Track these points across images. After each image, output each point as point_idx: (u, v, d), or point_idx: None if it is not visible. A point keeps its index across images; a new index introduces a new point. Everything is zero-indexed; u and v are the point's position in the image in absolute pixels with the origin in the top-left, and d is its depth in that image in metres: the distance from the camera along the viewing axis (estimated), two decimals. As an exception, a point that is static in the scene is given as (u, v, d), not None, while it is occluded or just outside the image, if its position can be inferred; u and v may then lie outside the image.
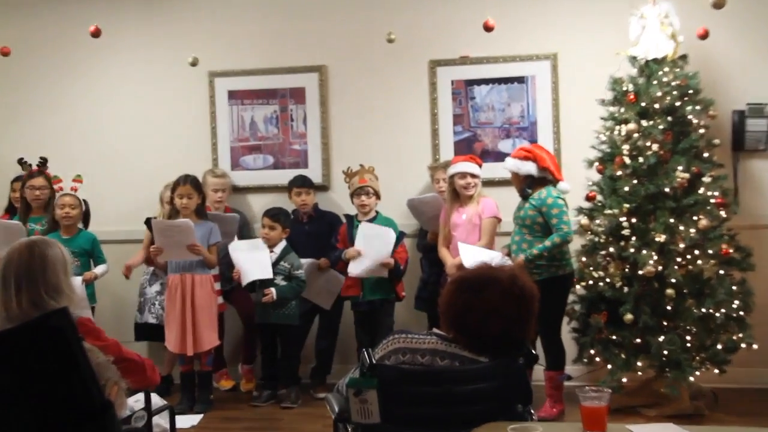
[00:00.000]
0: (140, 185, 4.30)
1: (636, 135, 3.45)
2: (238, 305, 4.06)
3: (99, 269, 3.90)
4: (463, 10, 4.08)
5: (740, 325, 3.38)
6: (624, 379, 3.36)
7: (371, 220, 3.81)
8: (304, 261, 3.82)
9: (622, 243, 3.41)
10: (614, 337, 3.39)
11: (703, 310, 3.32)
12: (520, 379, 1.76)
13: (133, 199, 4.31)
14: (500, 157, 3.83)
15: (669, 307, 3.33)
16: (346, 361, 4.04)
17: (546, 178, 3.44)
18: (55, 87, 4.47)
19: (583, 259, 3.57)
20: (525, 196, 3.45)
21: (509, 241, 3.55)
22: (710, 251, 3.36)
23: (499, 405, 1.71)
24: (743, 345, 3.35)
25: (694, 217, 3.37)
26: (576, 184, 3.57)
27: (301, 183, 3.99)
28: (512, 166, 3.48)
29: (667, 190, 3.38)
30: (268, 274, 3.63)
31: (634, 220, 3.40)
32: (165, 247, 3.57)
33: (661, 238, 3.32)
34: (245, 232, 4.11)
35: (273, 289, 3.65)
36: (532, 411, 1.81)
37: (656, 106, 3.45)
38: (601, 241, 3.50)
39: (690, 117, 3.46)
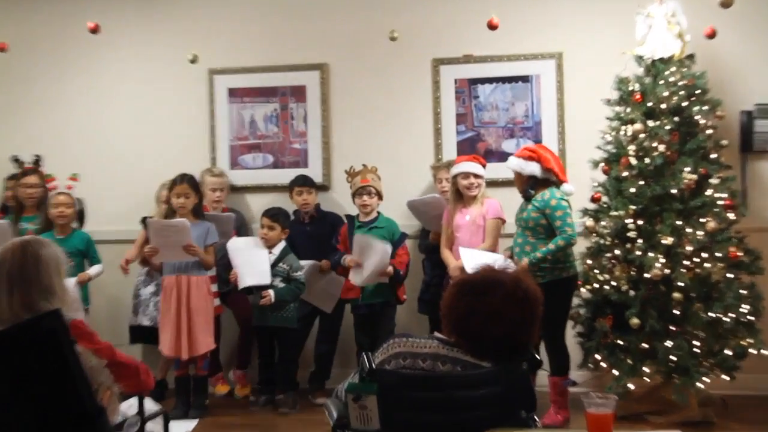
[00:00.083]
0: (137, 184, 4.29)
1: (642, 135, 3.44)
2: (235, 308, 4.05)
3: (93, 270, 3.88)
4: (467, 8, 4.07)
5: (750, 330, 3.36)
6: (630, 386, 3.34)
7: (372, 221, 3.80)
8: (305, 263, 3.81)
9: (628, 245, 3.40)
10: (620, 342, 3.38)
11: (712, 314, 3.30)
12: (523, 385, 1.74)
13: (129, 199, 4.31)
14: (504, 157, 3.81)
15: (676, 312, 3.31)
16: (346, 365, 4.03)
17: (549, 179, 3.42)
18: (53, 84, 4.46)
19: (589, 261, 3.55)
20: (528, 197, 3.43)
21: (512, 243, 3.53)
22: (718, 254, 3.34)
23: (501, 411, 1.69)
24: (753, 350, 3.33)
25: (702, 219, 3.35)
26: (581, 185, 3.56)
27: (303, 182, 3.98)
28: (515, 165, 3.46)
29: (674, 191, 3.37)
30: (265, 279, 3.61)
31: (640, 222, 3.39)
32: (161, 248, 3.55)
33: (668, 240, 3.31)
34: (243, 232, 4.10)
35: (271, 292, 3.63)
36: (536, 417, 1.80)
37: (663, 106, 3.44)
38: (607, 243, 3.48)
39: (697, 117, 3.45)
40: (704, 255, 3.33)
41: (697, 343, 3.30)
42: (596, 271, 3.50)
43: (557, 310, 3.33)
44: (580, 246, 3.55)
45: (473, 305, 1.71)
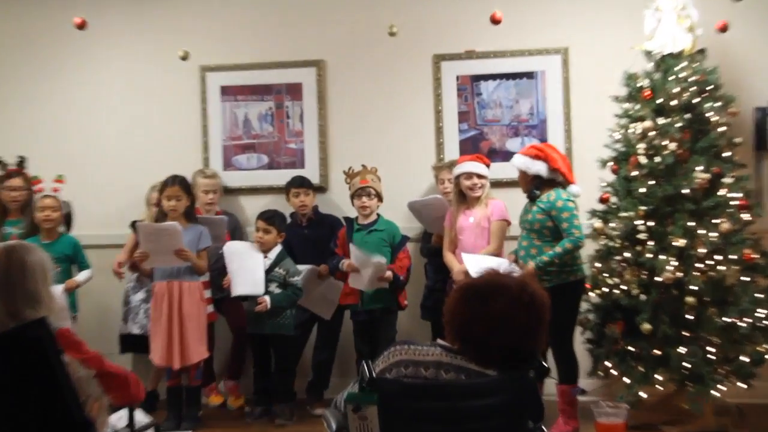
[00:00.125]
0: (126, 186, 4.28)
1: (652, 133, 3.44)
2: (229, 314, 4.04)
3: (82, 276, 3.88)
4: (469, 1, 4.09)
5: (766, 335, 3.35)
6: (642, 394, 3.33)
7: (372, 224, 3.79)
8: (303, 267, 3.80)
9: (639, 248, 3.39)
10: (631, 349, 3.37)
11: (726, 319, 3.29)
12: (530, 394, 1.74)
13: (118, 201, 4.30)
14: (508, 156, 3.82)
15: (689, 317, 3.30)
16: (345, 374, 4.02)
17: (555, 179, 3.42)
18: (37, 82, 4.46)
19: (597, 265, 3.55)
20: (532, 198, 3.43)
21: (516, 246, 3.53)
22: (733, 256, 3.33)
23: (508, 421, 1.69)
24: (769, 357, 3.32)
25: (715, 220, 3.35)
26: (589, 185, 3.56)
27: (300, 183, 3.98)
28: (521, 163, 3.46)
29: (685, 191, 3.36)
30: (258, 289, 3.61)
31: (651, 224, 3.39)
32: (151, 252, 3.55)
33: (679, 242, 3.31)
34: (238, 236, 4.09)
35: (267, 298, 3.63)
36: (544, 428, 1.79)
37: (673, 102, 3.44)
38: (616, 245, 3.48)
39: (709, 114, 3.45)
40: (718, 257, 3.32)
41: (712, 350, 3.29)
42: (605, 274, 3.49)
43: (565, 316, 3.32)
44: (589, 249, 3.55)
45: (477, 311, 1.70)
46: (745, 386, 3.36)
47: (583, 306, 3.55)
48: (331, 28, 4.27)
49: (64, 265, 3.79)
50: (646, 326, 3.30)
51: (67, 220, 3.96)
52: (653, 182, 3.42)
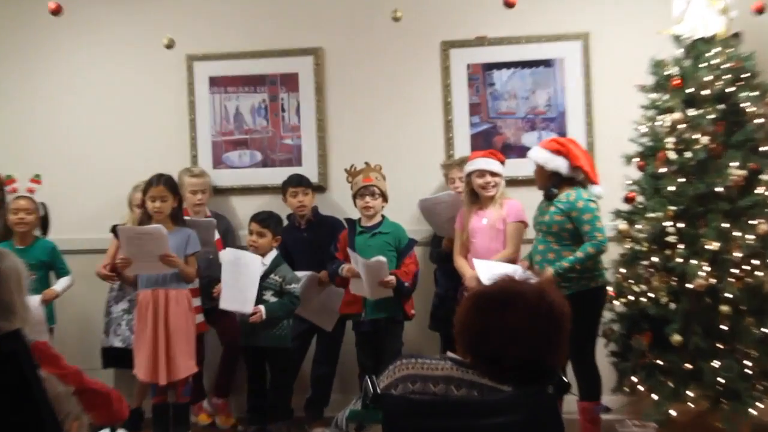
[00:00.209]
0: (107, 186, 4.29)
1: (682, 126, 3.43)
2: (219, 325, 4.04)
3: (60, 284, 3.89)
4: (481, -18, 4.08)
5: (809, 347, 3.34)
6: (672, 412, 3.32)
7: (376, 226, 3.79)
8: (301, 274, 3.81)
9: (668, 252, 3.39)
10: (660, 362, 3.36)
11: (765, 330, 3.28)
12: (549, 412, 1.73)
13: (99, 203, 4.32)
14: (524, 152, 3.81)
15: (724, 327, 3.29)
16: (347, 390, 4.02)
17: (575, 178, 3.42)
18: (9, 73, 4.47)
19: (622, 270, 3.54)
20: (549, 197, 3.43)
21: (530, 250, 3.53)
22: (771, 261, 3.32)
23: (525, 442, 1.68)
24: (812, 371, 3.31)
25: (752, 222, 3.34)
26: (612, 183, 3.56)
27: (298, 182, 3.99)
28: (539, 157, 3.46)
29: (719, 189, 3.35)
30: (246, 309, 3.61)
31: (681, 225, 3.38)
32: (134, 258, 3.55)
33: (713, 245, 3.30)
34: (229, 240, 4.10)
35: (262, 307, 3.63)
36: (565, 449, 1.78)
37: (705, 92, 3.43)
38: (643, 249, 3.47)
39: (745, 105, 3.44)
40: (755, 262, 3.31)
41: (749, 363, 3.28)
42: (631, 281, 3.49)
43: (586, 326, 3.32)
44: (613, 253, 3.54)
45: (491, 321, 1.70)
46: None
47: (607, 315, 3.55)
48: (329, 13, 4.27)
49: (40, 273, 3.80)
50: (677, 338, 3.29)
51: (44, 223, 3.97)
52: (683, 180, 3.41)
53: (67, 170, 4.38)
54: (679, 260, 3.34)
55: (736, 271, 3.30)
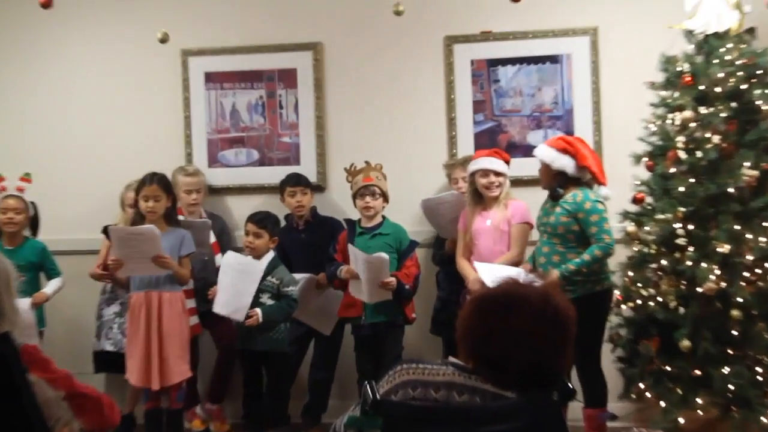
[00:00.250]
0: (99, 186, 4.30)
1: (693, 124, 3.42)
2: (214, 329, 4.05)
3: (51, 287, 3.90)
4: (485, -25, 4.08)
5: (822, 354, 3.34)
6: (681, 420, 3.32)
7: (376, 227, 3.80)
8: (299, 276, 3.81)
9: (677, 254, 3.38)
10: (668, 368, 3.36)
11: (776, 335, 3.28)
12: (554, 419, 1.73)
13: (90, 202, 4.32)
14: (529, 151, 3.82)
15: (735, 332, 3.29)
16: (345, 396, 4.03)
17: (581, 179, 3.42)
18: (-1, 69, 4.49)
19: (630, 273, 3.54)
20: (555, 197, 3.43)
21: (533, 252, 3.53)
22: (784, 264, 3.32)
23: (529, 450, 1.68)
24: (826, 378, 3.31)
25: (765, 224, 3.33)
26: (621, 183, 3.56)
27: (296, 181, 3.99)
28: (545, 155, 3.46)
29: (731, 190, 3.35)
30: (238, 316, 3.61)
31: (691, 227, 3.37)
32: (126, 260, 3.56)
33: (724, 248, 3.29)
34: (224, 241, 4.11)
35: (258, 310, 3.64)
36: (570, 458, 1.78)
37: (717, 89, 3.43)
38: (652, 252, 3.47)
39: (759, 102, 3.43)
40: None
41: (760, 370, 3.27)
42: (639, 284, 3.48)
43: (591, 330, 3.32)
44: (620, 255, 3.55)
45: (495, 325, 1.70)
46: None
47: (614, 320, 3.55)
48: (329, 7, 4.27)
49: (29, 274, 3.81)
50: (686, 343, 3.29)
51: (33, 223, 3.98)
52: (694, 180, 3.40)
53: (58, 169, 4.38)
54: (689, 263, 3.33)
55: (748, 274, 3.29)
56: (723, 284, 3.28)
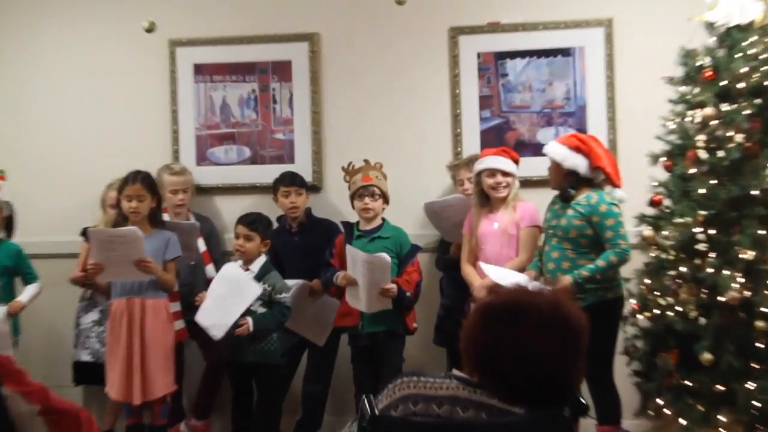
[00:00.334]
0: (79, 184, 4.31)
1: (714, 122, 3.42)
2: (202, 339, 4.03)
3: (27, 293, 3.90)
4: (493, -37, 4.09)
5: None
6: (701, 438, 3.31)
7: (376, 230, 3.79)
8: (292, 282, 3.80)
9: (697, 261, 3.38)
10: (688, 383, 3.35)
11: (804, 348, 3.27)
12: (565, 437, 1.73)
13: (70, 202, 4.33)
14: (539, 149, 3.82)
15: (760, 345, 3.28)
16: (341, 411, 4.03)
17: (594, 179, 3.43)
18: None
19: (647, 281, 3.54)
20: (566, 198, 3.43)
21: (536, 259, 3.53)
22: (813, 272, 3.31)
23: (538, 470, 1.68)
24: None
25: (791, 228, 3.33)
26: (637, 185, 3.56)
27: (291, 181, 4.00)
28: (556, 153, 3.46)
29: (755, 192, 3.34)
30: (216, 333, 3.58)
31: (712, 232, 3.37)
32: (107, 264, 3.54)
33: (747, 254, 3.28)
34: (213, 244, 4.11)
35: (249, 319, 3.63)
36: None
37: (741, 85, 3.42)
38: (670, 258, 3.47)
39: (785, 99, 3.43)
40: (795, 273, 3.30)
41: (787, 385, 3.27)
42: (657, 293, 3.48)
43: (603, 340, 3.34)
44: (636, 262, 3.54)
45: (501, 336, 1.70)
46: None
47: (630, 331, 3.55)
48: (326, -5, 4.28)
49: (4, 279, 3.82)
50: (707, 356, 3.28)
51: (8, 224, 3.98)
52: (715, 181, 3.39)
53: (35, 166, 4.38)
54: (710, 270, 3.32)
55: (774, 283, 3.29)
56: (747, 293, 3.27)
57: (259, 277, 3.70)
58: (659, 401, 3.44)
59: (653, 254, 3.55)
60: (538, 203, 3.68)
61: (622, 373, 3.53)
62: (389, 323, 3.72)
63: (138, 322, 3.58)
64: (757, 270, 3.30)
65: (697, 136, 3.46)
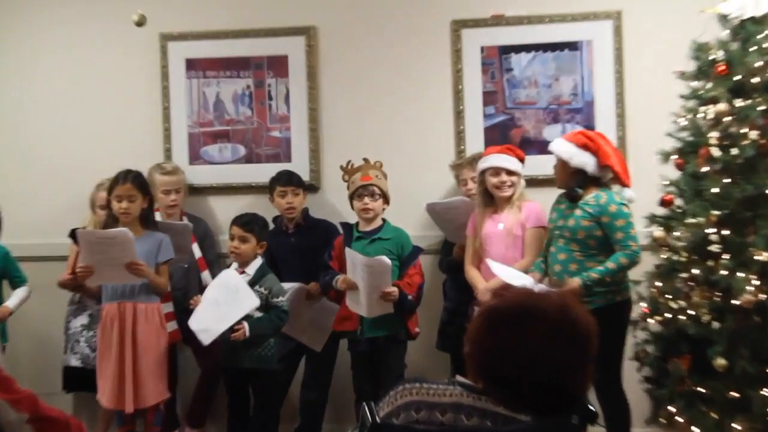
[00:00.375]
0: (68, 185, 4.31)
1: (728, 118, 3.42)
2: (196, 344, 4.02)
3: (15, 298, 3.90)
4: (497, -47, 4.09)
5: None
6: (715, 447, 3.31)
7: (376, 231, 3.79)
8: (288, 286, 3.81)
9: (710, 263, 3.37)
10: (701, 390, 3.35)
11: (822, 353, 3.27)
12: (574, 445, 1.73)
13: (58, 204, 4.33)
14: (545, 147, 3.82)
15: (775, 349, 3.28)
16: (340, 418, 4.04)
17: (601, 179, 3.43)
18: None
19: (658, 284, 3.54)
20: (574, 198, 3.43)
21: (540, 260, 3.52)
22: (830, 274, 3.31)
23: (545, 480, 1.68)
24: None
25: (808, 229, 3.33)
26: (647, 184, 3.56)
27: (287, 180, 4.00)
28: (563, 151, 3.45)
29: (770, 191, 3.34)
30: (204, 338, 3.58)
31: (725, 233, 3.36)
32: (96, 267, 3.54)
33: (763, 256, 3.28)
34: (207, 246, 4.11)
35: (245, 323, 3.62)
36: (591, 489, 1.78)
37: (755, 79, 3.42)
38: (682, 259, 3.47)
39: (801, 95, 3.43)
40: (812, 275, 3.30)
41: (803, 391, 3.27)
42: (668, 296, 3.48)
43: (612, 345, 3.33)
44: (647, 263, 3.54)
45: (507, 341, 1.70)
46: None
47: (640, 335, 3.55)
48: (324, -12, 4.29)
49: (-11, 283, 3.81)
50: (721, 361, 3.28)
51: (-7, 226, 3.98)
52: (729, 180, 3.39)
53: (22, 166, 4.39)
54: (724, 273, 3.32)
55: (790, 285, 3.30)
56: (762, 296, 3.26)
57: (256, 281, 3.70)
58: (671, 408, 3.43)
59: (664, 256, 3.55)
60: (544, 203, 3.68)
61: (633, 379, 3.54)
62: (390, 328, 3.72)
63: (130, 327, 3.58)
64: (773, 272, 3.31)
65: (709, 132, 3.45)
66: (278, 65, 4.32)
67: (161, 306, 3.70)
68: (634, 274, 3.51)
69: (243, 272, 3.72)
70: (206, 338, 3.59)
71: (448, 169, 4.09)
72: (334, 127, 4.30)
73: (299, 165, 4.24)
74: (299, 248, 3.96)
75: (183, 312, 3.82)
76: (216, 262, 4.12)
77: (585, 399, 1.81)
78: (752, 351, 3.30)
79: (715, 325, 3.34)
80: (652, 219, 3.58)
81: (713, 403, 3.33)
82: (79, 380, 3.95)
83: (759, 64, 3.42)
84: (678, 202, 3.56)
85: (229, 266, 3.82)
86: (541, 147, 4.02)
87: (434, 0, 4.18)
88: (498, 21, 4.17)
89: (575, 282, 3.33)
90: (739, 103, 3.42)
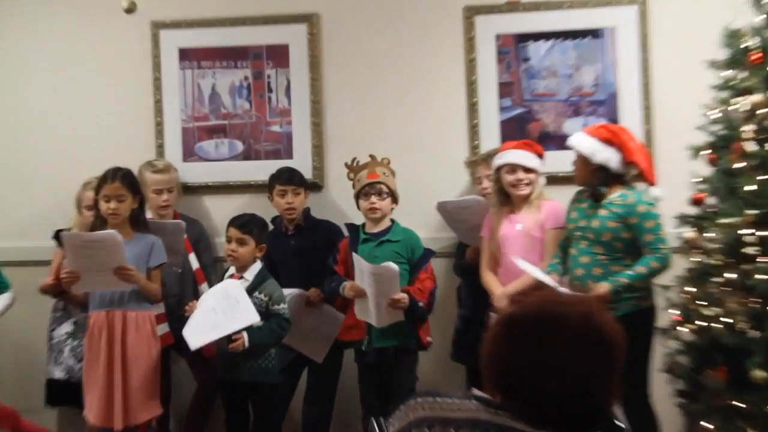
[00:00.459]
0: (53, 184, 4.32)
1: (763, 110, 3.41)
2: (192, 355, 4.03)
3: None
4: (513, -67, 4.09)
5: None
6: (753, 465, 3.29)
7: (384, 232, 3.79)
8: (287, 292, 3.80)
9: (746, 266, 3.36)
10: (738, 404, 3.33)
11: None
12: (600, 465, 1.71)
13: (42, 204, 4.34)
14: (565, 142, 3.80)
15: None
16: (347, 435, 4.01)
17: (624, 176, 3.42)
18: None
19: (690, 289, 3.53)
20: (597, 197, 3.42)
21: (556, 262, 3.52)
22: None
23: (569, 502, 1.66)
24: None
25: None
26: (676, 181, 3.55)
27: (288, 179, 4.00)
28: (584, 146, 3.45)
29: (810, 189, 3.33)
30: (192, 343, 3.55)
31: (762, 233, 3.35)
32: (83, 272, 3.54)
33: (803, 258, 3.27)
34: (202, 248, 4.11)
35: (244, 333, 3.62)
36: None
37: (793, 68, 3.41)
38: (715, 263, 3.45)
39: (843, 84, 3.41)
40: None
41: None
42: (701, 302, 3.46)
43: (639, 355, 3.33)
44: (677, 267, 3.54)
45: (526, 351, 1.69)
46: None
47: (672, 345, 3.54)
48: (327, -29, 4.29)
49: (-30, 289, 3.82)
50: (759, 374, 3.26)
51: (-26, 228, 3.99)
52: (765, 177, 3.38)
53: (3, 164, 4.39)
54: (761, 277, 3.31)
55: (832, 290, 3.28)
56: (802, 302, 3.26)
57: (255, 287, 3.69)
58: (706, 424, 3.42)
59: (696, 259, 3.55)
60: (565, 202, 3.68)
61: (663, 392, 3.53)
62: (400, 337, 3.71)
63: (119, 337, 3.57)
64: (814, 276, 3.29)
65: (743, 126, 3.44)
66: (278, 55, 4.32)
67: (153, 314, 3.70)
68: (663, 278, 3.51)
69: (241, 277, 3.71)
70: (194, 343, 3.56)
71: (462, 165, 4.09)
72: (339, 121, 4.30)
73: (301, 162, 4.24)
74: (299, 251, 3.96)
75: (177, 321, 3.81)
76: (212, 267, 4.12)
77: (611, 414, 1.80)
78: (793, 362, 3.28)
79: (753, 333, 3.32)
80: (683, 219, 3.57)
81: (752, 419, 3.31)
82: (64, 394, 3.95)
83: (797, 51, 3.41)
84: (710, 200, 3.56)
85: (226, 270, 3.81)
86: (560, 142, 4.00)
87: (446, -16, 4.18)
88: (514, 7, 4.17)
89: (603, 287, 3.32)
90: (775, 94, 3.41)
